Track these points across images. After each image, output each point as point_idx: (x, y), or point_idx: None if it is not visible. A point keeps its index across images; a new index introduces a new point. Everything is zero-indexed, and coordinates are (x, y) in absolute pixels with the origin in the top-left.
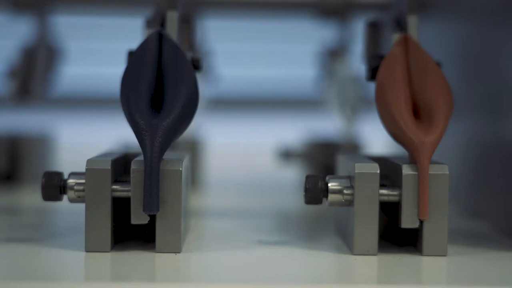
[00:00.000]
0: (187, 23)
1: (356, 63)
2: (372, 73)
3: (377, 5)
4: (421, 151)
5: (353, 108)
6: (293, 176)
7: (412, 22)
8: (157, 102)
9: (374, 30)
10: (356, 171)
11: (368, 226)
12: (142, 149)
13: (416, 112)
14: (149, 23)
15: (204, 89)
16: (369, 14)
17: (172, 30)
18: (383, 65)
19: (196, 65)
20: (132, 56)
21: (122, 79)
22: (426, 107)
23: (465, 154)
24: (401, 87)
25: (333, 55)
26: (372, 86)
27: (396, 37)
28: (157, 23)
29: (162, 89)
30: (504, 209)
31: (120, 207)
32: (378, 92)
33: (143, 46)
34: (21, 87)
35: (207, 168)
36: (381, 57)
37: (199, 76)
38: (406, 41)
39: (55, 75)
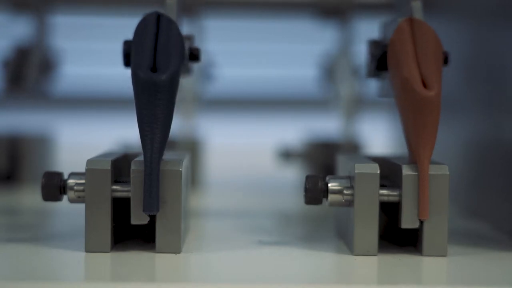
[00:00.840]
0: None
1: (356, 63)
2: (377, 64)
3: (377, 5)
4: (425, 108)
5: (352, 112)
6: (293, 176)
7: (417, 7)
8: None
9: (376, 47)
10: (356, 171)
11: (368, 226)
12: (142, 145)
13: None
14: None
15: (202, 87)
16: (369, 14)
17: (171, 14)
18: (394, 36)
19: (195, 55)
20: (134, 33)
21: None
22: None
23: (465, 154)
24: (412, 59)
25: (333, 55)
26: (371, 85)
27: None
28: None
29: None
30: (504, 209)
31: (120, 207)
32: (390, 52)
33: (142, 23)
34: (13, 77)
35: (207, 168)
36: (384, 46)
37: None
38: (411, 21)
39: (51, 74)
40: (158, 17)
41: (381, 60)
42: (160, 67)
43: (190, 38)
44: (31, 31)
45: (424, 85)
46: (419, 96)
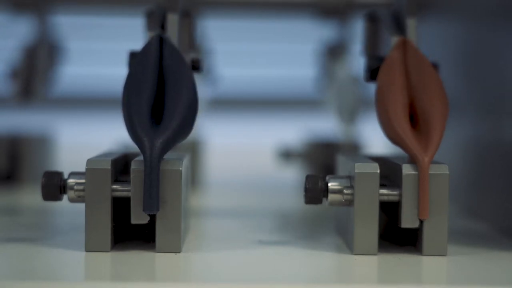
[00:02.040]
0: (187, 20)
1: (356, 63)
2: (371, 74)
3: (377, 5)
4: (420, 167)
5: (352, 112)
6: (293, 176)
7: (411, 25)
8: (159, 106)
9: (373, 24)
10: (356, 171)
11: (368, 226)
12: (142, 152)
13: (414, 115)
14: (149, 18)
15: (204, 89)
16: None
17: (172, 33)
18: (382, 70)
19: (196, 66)
20: (134, 62)
21: (124, 86)
22: (423, 113)
23: (465, 154)
24: (399, 92)
25: (333, 55)
26: (371, 86)
27: (394, 39)
28: (157, 23)
29: (163, 92)
30: (504, 209)
31: (120, 207)
32: (378, 97)
33: (144, 51)
34: (23, 88)
35: (207, 168)
36: (380, 58)
37: (199, 77)
38: (404, 45)
39: (56, 75)
40: (161, 41)
41: (375, 71)
42: (164, 118)
43: (193, 47)
44: (33, 31)
45: (417, 117)
46: (413, 159)
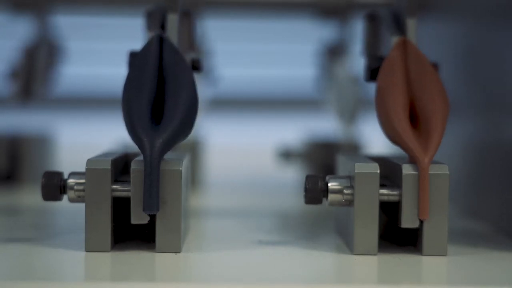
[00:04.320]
0: (187, 20)
1: (356, 63)
2: (371, 74)
3: (377, 5)
4: (420, 167)
5: (352, 112)
6: (293, 176)
7: (411, 25)
8: (159, 106)
9: (373, 24)
10: (356, 171)
11: (368, 226)
12: (142, 152)
13: (414, 115)
14: (149, 18)
15: (204, 89)
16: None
17: (172, 33)
18: (382, 70)
19: (196, 66)
20: (134, 62)
21: (124, 86)
22: (423, 112)
23: (465, 154)
24: (399, 92)
25: (333, 55)
26: (371, 86)
27: (394, 39)
28: (157, 23)
29: (163, 91)
30: (504, 209)
31: (120, 207)
32: (378, 97)
33: (144, 50)
34: (23, 88)
35: (207, 168)
36: (380, 58)
37: (199, 77)
38: (404, 45)
39: (56, 75)
40: (161, 41)
41: (375, 71)
42: (164, 116)
43: (192, 46)
44: (33, 31)
45: (417, 117)
46: (414, 159)
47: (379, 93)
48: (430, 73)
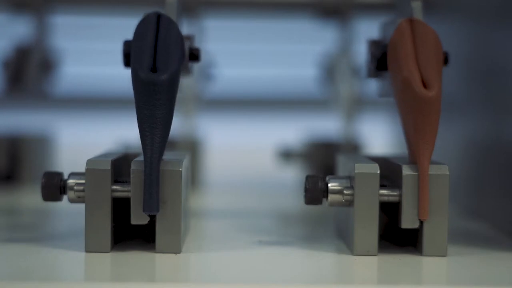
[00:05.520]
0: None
1: (356, 63)
2: (377, 64)
3: (377, 5)
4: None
5: (351, 109)
6: (293, 176)
7: (417, 7)
8: None
9: (376, 48)
10: (356, 171)
11: (368, 226)
12: (142, 145)
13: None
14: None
15: (202, 88)
16: (369, 14)
17: (171, 13)
18: (393, 35)
19: (195, 55)
20: (135, 33)
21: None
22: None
23: (465, 154)
24: (411, 49)
25: (333, 55)
26: (371, 85)
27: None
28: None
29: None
30: (504, 209)
31: (120, 207)
32: (390, 52)
33: (142, 24)
34: (13, 77)
35: (207, 168)
36: (384, 46)
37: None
38: (411, 22)
39: (51, 76)
40: (158, 17)
41: (381, 60)
42: (160, 67)
43: (190, 38)
44: (31, 31)
45: (425, 85)
46: (419, 96)
47: (391, 48)
48: (435, 45)
